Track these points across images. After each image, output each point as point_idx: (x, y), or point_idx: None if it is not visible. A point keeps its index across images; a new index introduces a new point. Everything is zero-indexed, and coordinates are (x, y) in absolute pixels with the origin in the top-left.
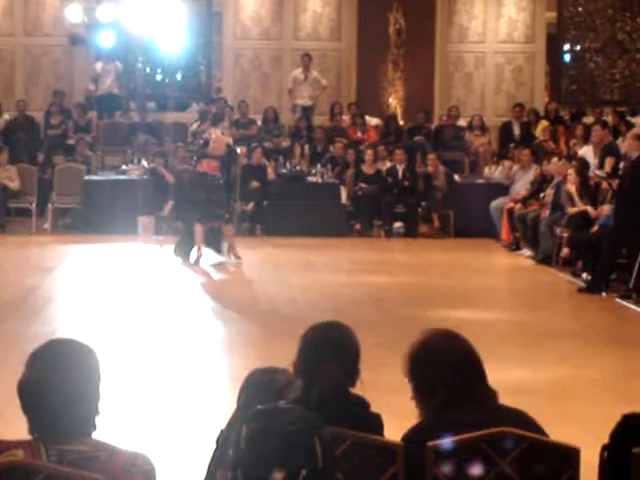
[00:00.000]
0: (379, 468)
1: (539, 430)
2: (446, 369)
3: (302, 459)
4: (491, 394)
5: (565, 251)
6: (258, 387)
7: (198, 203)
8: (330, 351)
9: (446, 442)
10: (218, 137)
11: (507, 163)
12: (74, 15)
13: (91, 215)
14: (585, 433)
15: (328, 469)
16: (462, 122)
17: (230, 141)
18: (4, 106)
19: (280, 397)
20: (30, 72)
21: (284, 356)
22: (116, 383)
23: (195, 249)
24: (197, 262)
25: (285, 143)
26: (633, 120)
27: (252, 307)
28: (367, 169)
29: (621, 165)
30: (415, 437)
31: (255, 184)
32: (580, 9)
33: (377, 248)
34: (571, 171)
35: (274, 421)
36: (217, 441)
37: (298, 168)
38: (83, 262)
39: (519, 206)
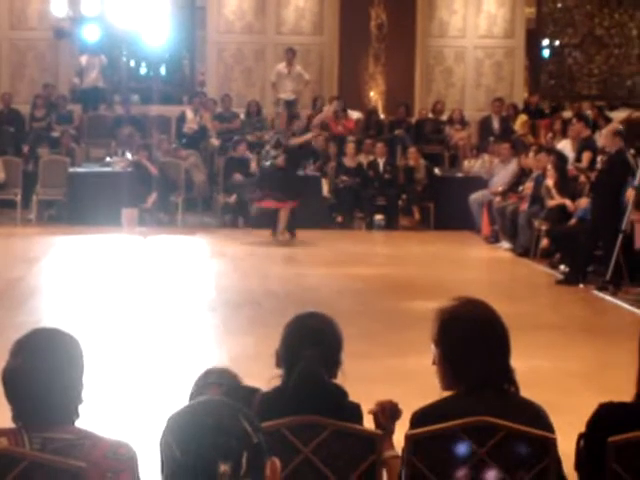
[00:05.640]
0: (358, 457)
1: (547, 428)
2: (479, 345)
3: (239, 443)
4: (513, 385)
5: (544, 241)
6: (198, 386)
7: None
8: (311, 340)
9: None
10: None
11: (487, 157)
12: (59, 9)
13: (75, 207)
14: (562, 422)
15: (261, 441)
16: (442, 116)
17: None
18: None
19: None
20: (15, 66)
21: (266, 346)
22: (100, 372)
23: None
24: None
25: (268, 136)
26: (611, 115)
27: (234, 298)
28: (348, 162)
29: (598, 159)
30: (423, 419)
31: (238, 176)
32: (559, 5)
33: (358, 240)
34: (549, 166)
35: (197, 418)
36: None
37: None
38: (68, 253)
39: (498, 199)
